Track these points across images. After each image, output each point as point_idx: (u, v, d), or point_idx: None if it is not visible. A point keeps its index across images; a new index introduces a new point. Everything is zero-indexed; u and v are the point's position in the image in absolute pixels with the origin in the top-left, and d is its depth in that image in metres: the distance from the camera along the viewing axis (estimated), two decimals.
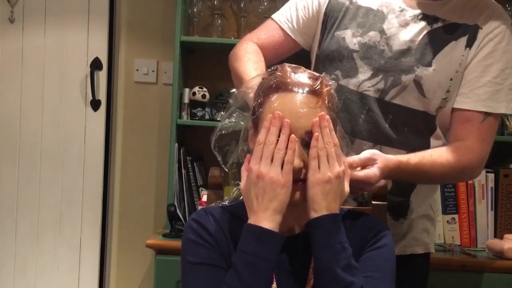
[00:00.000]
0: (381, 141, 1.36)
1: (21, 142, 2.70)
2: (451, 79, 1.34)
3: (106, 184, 2.70)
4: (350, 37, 1.39)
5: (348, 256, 1.01)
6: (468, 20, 1.36)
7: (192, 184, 2.35)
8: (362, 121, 1.37)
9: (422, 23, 1.36)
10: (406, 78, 1.34)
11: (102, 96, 2.67)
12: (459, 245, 2.23)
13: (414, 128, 1.38)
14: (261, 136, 1.03)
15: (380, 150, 1.28)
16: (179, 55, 2.32)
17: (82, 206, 2.70)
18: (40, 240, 2.70)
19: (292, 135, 1.01)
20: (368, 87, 1.37)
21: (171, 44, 2.37)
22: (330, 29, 1.43)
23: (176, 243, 2.05)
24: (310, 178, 1.02)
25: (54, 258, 2.70)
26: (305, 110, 1.03)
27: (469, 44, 1.34)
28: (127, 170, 2.71)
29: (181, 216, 2.20)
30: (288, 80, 1.06)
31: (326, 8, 1.45)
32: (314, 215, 1.02)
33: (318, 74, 1.10)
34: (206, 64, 2.60)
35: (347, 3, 1.43)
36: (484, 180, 2.24)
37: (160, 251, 2.11)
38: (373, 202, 1.32)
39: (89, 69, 2.65)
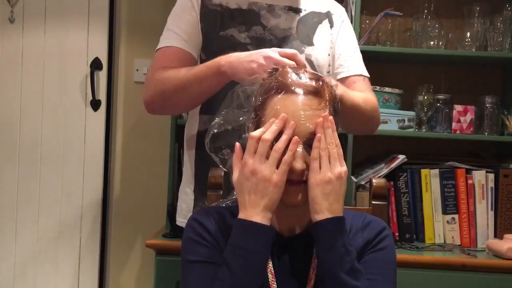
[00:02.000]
0: None
1: (21, 142, 2.70)
2: (328, 55, 1.57)
3: (106, 184, 2.70)
4: (238, 34, 1.51)
5: (352, 259, 1.00)
6: (322, 9, 1.60)
7: None
8: None
9: (291, 13, 1.55)
10: None
11: (102, 96, 2.67)
12: (459, 245, 2.23)
13: None
14: (257, 131, 1.03)
15: None
16: None
17: (82, 206, 2.70)
18: (40, 240, 2.70)
19: (295, 137, 1.01)
20: None
21: None
22: (212, 31, 1.52)
23: (176, 243, 2.05)
24: (311, 179, 1.02)
25: (54, 258, 2.70)
26: (308, 112, 1.03)
27: (331, 25, 1.59)
28: (127, 170, 2.71)
29: None
30: (289, 81, 1.06)
31: (201, 17, 1.54)
32: (316, 216, 1.01)
33: (319, 74, 1.09)
34: None
35: (218, 8, 1.54)
36: (484, 180, 2.24)
37: (160, 251, 2.11)
38: (373, 202, 1.32)
39: (89, 69, 2.65)
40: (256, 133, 1.02)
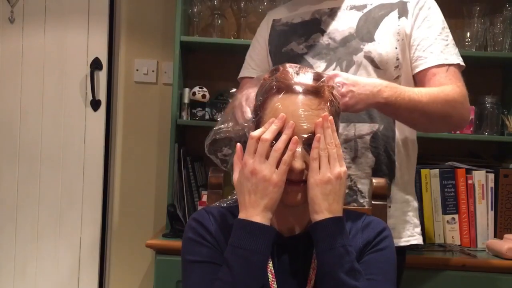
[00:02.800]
0: (351, 119, 1.45)
1: (21, 142, 2.70)
2: (396, 48, 1.46)
3: (106, 184, 2.70)
4: (296, 46, 1.54)
5: (352, 259, 1.00)
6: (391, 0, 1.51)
7: (192, 184, 2.35)
8: None
9: (354, 11, 1.52)
10: (357, 57, 1.46)
11: (102, 96, 2.67)
12: (459, 245, 2.23)
13: None
14: (257, 131, 1.03)
15: (354, 128, 1.45)
16: (179, 55, 2.32)
17: (82, 206, 2.69)
18: (40, 240, 2.70)
19: (295, 137, 1.01)
20: None
21: (171, 44, 2.37)
22: (277, 50, 1.59)
23: (176, 243, 2.05)
24: (310, 179, 1.02)
25: (54, 258, 2.70)
26: (308, 112, 1.03)
27: (401, 15, 1.48)
28: (127, 170, 2.71)
29: (181, 216, 2.20)
30: (290, 81, 1.06)
31: (269, 39, 1.64)
32: (315, 216, 1.01)
33: (320, 74, 1.10)
34: (206, 64, 2.60)
35: (285, 28, 1.59)
36: (484, 180, 2.24)
37: (160, 251, 2.11)
38: (373, 202, 1.32)
39: (89, 69, 2.65)
40: (255, 133, 1.03)
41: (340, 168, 1.03)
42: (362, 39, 1.47)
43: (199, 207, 2.26)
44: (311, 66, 1.47)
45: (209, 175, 1.35)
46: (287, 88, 1.05)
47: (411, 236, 1.55)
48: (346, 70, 1.45)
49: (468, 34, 2.35)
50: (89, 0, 2.66)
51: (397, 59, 1.46)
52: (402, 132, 1.53)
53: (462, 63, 1.48)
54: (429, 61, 1.45)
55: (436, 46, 1.45)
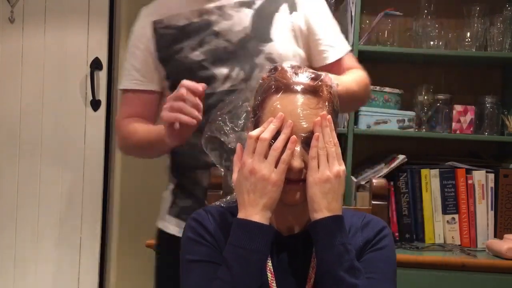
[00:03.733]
0: None
1: (21, 142, 2.70)
2: (292, 44, 1.46)
3: (106, 184, 2.70)
4: (191, 52, 1.44)
5: (351, 258, 1.00)
6: None
7: None
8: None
9: (244, 9, 1.45)
10: (259, 59, 1.43)
11: (102, 96, 2.67)
12: (459, 245, 2.23)
13: None
14: (255, 130, 1.03)
15: None
16: None
17: (82, 206, 2.69)
18: (40, 240, 2.70)
19: (293, 136, 1.01)
20: (232, 84, 1.42)
21: None
22: (168, 58, 1.47)
23: None
24: (309, 178, 1.02)
25: (54, 258, 2.70)
26: (306, 111, 1.03)
27: (291, 10, 1.47)
28: (127, 170, 2.71)
29: None
30: (288, 80, 1.06)
31: (156, 45, 1.49)
32: (315, 215, 1.01)
33: (319, 73, 1.10)
34: None
35: (169, 31, 1.47)
36: (484, 180, 2.24)
37: None
38: (373, 202, 1.32)
39: (89, 69, 2.65)
40: (254, 132, 1.03)
41: (339, 166, 1.03)
42: (260, 40, 1.44)
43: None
44: (213, 75, 1.43)
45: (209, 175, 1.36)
46: (285, 87, 1.05)
47: None
48: (250, 74, 1.42)
49: (468, 34, 2.35)
50: (89, 0, 2.66)
51: (294, 56, 1.47)
52: None
53: (350, 48, 1.60)
54: (334, 54, 1.50)
55: (334, 37, 1.53)
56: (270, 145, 1.01)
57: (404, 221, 2.26)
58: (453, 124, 2.33)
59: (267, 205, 1.00)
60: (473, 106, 2.33)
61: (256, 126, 1.07)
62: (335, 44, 1.52)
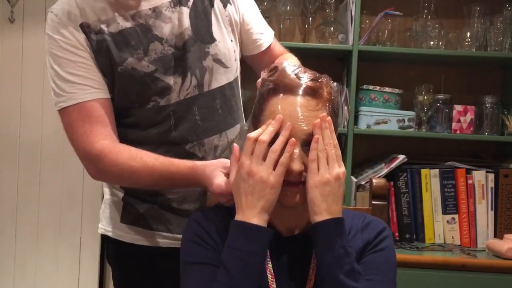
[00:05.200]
0: (222, 128, 1.38)
1: (21, 142, 2.70)
2: (231, 40, 1.42)
3: None
4: (137, 63, 1.28)
5: (351, 260, 1.00)
6: None
7: None
8: (200, 122, 1.35)
9: (179, 8, 1.34)
10: (206, 62, 1.36)
11: None
12: (459, 245, 2.22)
13: (235, 99, 1.44)
14: (254, 133, 1.03)
15: (227, 136, 1.38)
16: None
17: (82, 206, 2.70)
18: (40, 240, 2.70)
19: (292, 139, 1.01)
20: (188, 92, 1.34)
21: None
22: (110, 70, 1.28)
23: None
24: (309, 180, 1.01)
25: (54, 258, 2.70)
26: (305, 113, 1.02)
27: (224, 3, 1.41)
28: None
29: None
30: (287, 82, 1.05)
31: (94, 53, 1.27)
32: (315, 218, 1.01)
33: (319, 75, 1.09)
34: None
35: (101, 37, 1.27)
36: (484, 180, 2.24)
37: None
38: (373, 202, 1.33)
39: None
40: (253, 134, 1.02)
41: (339, 169, 1.03)
42: (203, 42, 1.35)
43: None
44: (167, 86, 1.30)
45: None
46: (285, 89, 1.05)
47: None
48: (201, 78, 1.34)
49: (468, 34, 2.35)
50: None
51: (234, 51, 1.43)
52: None
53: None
54: (266, 40, 1.52)
55: (262, 24, 1.53)
56: (269, 147, 1.01)
57: (404, 221, 2.26)
58: (453, 124, 2.33)
59: (264, 208, 1.00)
60: (473, 106, 2.33)
61: (255, 127, 1.07)
62: (264, 30, 1.52)
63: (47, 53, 1.29)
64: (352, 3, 2.29)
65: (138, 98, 1.31)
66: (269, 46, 1.52)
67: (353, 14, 2.28)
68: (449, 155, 2.37)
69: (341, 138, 2.28)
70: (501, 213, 2.23)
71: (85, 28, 1.27)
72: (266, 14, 2.28)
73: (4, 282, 2.71)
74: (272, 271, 1.07)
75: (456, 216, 2.25)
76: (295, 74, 1.06)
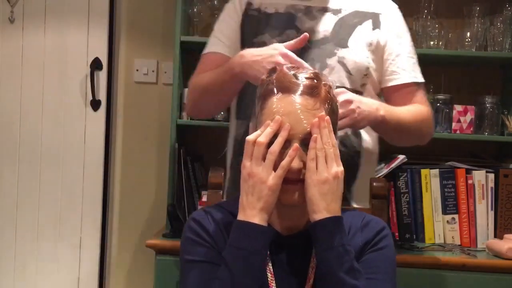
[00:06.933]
0: None
1: (21, 142, 2.70)
2: (367, 57, 1.51)
3: (106, 184, 2.70)
4: (270, 39, 1.48)
5: (351, 259, 1.01)
6: (367, 8, 1.55)
7: (192, 184, 2.35)
8: None
9: (329, 15, 1.52)
10: (331, 61, 1.48)
11: (102, 96, 2.67)
12: (459, 245, 2.22)
13: None
14: (252, 135, 1.03)
15: None
16: (179, 55, 2.32)
17: (82, 206, 2.69)
18: (40, 240, 2.70)
19: (296, 144, 1.01)
20: None
21: (171, 44, 2.37)
22: (248, 38, 1.53)
23: (176, 243, 2.03)
24: (308, 179, 1.02)
25: (54, 258, 2.70)
26: (304, 112, 1.03)
27: (375, 27, 1.53)
28: (127, 170, 2.71)
29: (181, 216, 2.20)
30: (286, 81, 1.06)
31: (242, 23, 1.57)
32: (314, 216, 1.02)
33: (317, 73, 1.10)
34: None
35: (256, 13, 1.55)
36: (484, 180, 2.24)
37: (160, 251, 2.11)
38: (373, 202, 1.33)
39: (89, 69, 2.65)
40: (251, 136, 1.03)
41: (337, 167, 1.03)
42: (336, 44, 1.49)
43: (199, 207, 2.26)
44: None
45: (209, 175, 1.36)
46: (284, 88, 1.05)
47: None
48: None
49: (468, 34, 2.35)
50: (89, 0, 2.66)
51: (367, 68, 1.51)
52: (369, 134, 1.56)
53: (423, 80, 1.60)
54: (402, 78, 1.54)
55: (408, 63, 1.56)
56: (268, 148, 1.02)
57: (404, 221, 2.26)
58: (453, 124, 2.32)
59: (264, 208, 1.01)
60: (473, 106, 2.33)
61: (256, 127, 1.07)
62: (409, 69, 1.55)
63: None
64: None
65: None
66: (400, 88, 1.53)
67: None
68: (449, 155, 2.37)
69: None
70: (501, 213, 2.23)
71: (249, 6, 1.58)
72: None
73: (4, 282, 2.71)
74: (272, 270, 1.07)
75: (456, 216, 2.24)
76: (294, 74, 1.07)
